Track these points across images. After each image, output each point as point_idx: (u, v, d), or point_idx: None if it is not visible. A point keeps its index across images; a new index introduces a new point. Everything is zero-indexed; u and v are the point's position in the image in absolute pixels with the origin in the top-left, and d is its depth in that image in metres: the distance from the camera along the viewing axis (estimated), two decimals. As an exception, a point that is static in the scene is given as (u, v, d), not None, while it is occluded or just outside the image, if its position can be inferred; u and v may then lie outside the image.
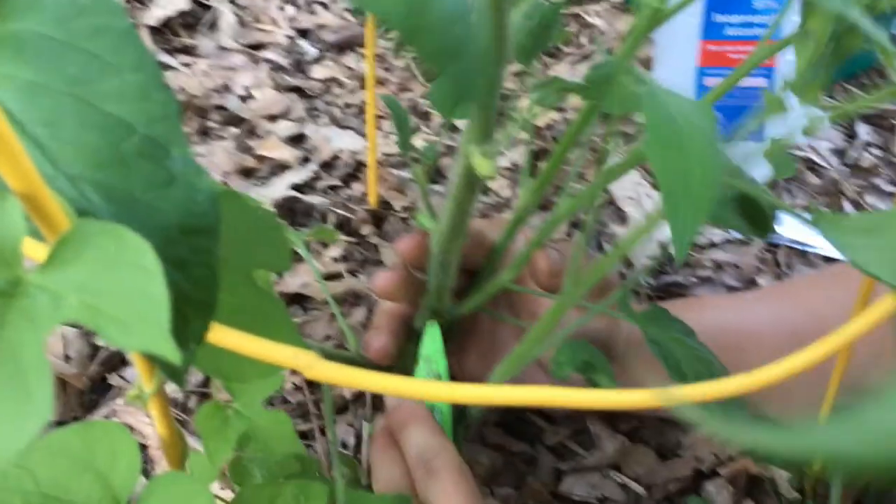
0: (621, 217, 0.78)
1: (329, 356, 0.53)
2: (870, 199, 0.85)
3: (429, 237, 0.49)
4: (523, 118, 0.44)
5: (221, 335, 0.23)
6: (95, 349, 0.65)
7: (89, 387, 0.62)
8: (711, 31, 0.77)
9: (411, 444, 0.46)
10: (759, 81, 0.78)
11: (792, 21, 0.77)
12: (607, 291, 0.54)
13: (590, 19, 1.02)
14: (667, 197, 0.30)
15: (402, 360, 0.55)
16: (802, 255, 0.77)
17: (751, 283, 0.74)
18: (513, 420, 0.61)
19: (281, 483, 0.37)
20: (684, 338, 0.46)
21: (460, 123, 0.60)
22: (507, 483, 0.58)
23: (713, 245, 0.77)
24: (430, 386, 0.26)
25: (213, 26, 0.95)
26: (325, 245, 0.72)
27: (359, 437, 0.61)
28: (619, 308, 0.47)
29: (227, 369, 0.27)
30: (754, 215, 0.48)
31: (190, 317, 0.23)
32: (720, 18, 0.76)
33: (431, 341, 0.50)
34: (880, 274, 0.35)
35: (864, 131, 0.91)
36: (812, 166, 0.87)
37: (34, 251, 0.19)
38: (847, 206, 0.84)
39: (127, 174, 0.22)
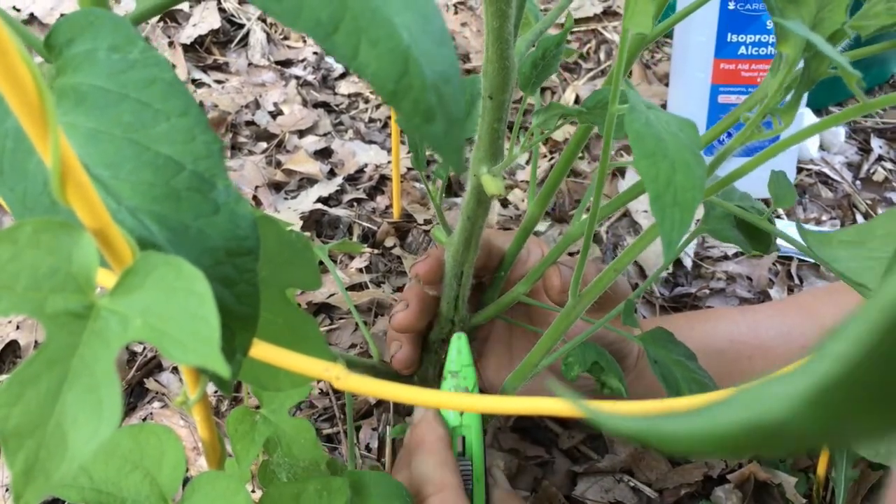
0: (636, 230, 0.81)
1: (353, 365, 0.56)
2: (882, 212, 0.86)
3: (441, 255, 0.52)
4: (528, 137, 0.47)
5: (262, 349, 0.26)
6: (133, 355, 0.68)
7: (127, 390, 0.66)
8: (725, 50, 0.79)
9: (414, 473, 0.47)
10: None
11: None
12: (619, 303, 0.57)
13: (608, 35, 1.05)
14: (654, 202, 0.33)
15: (420, 369, 0.58)
16: (814, 267, 0.79)
17: (763, 295, 0.76)
18: (529, 426, 0.64)
19: (305, 480, 0.40)
20: (685, 360, 0.48)
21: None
22: (524, 486, 0.60)
23: (726, 257, 0.79)
24: (443, 396, 0.29)
25: (244, 43, 0.98)
26: (351, 257, 0.75)
27: (381, 441, 0.63)
28: (623, 321, 0.50)
29: (266, 380, 0.30)
30: (756, 233, 0.50)
31: (236, 330, 0.25)
32: (734, 38, 0.79)
33: (459, 355, 0.51)
34: (863, 281, 0.37)
35: (877, 145, 0.93)
36: (826, 180, 0.89)
37: (103, 279, 0.22)
38: (860, 219, 0.86)
39: (178, 205, 0.25)
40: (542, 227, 0.81)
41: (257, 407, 0.46)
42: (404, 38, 0.26)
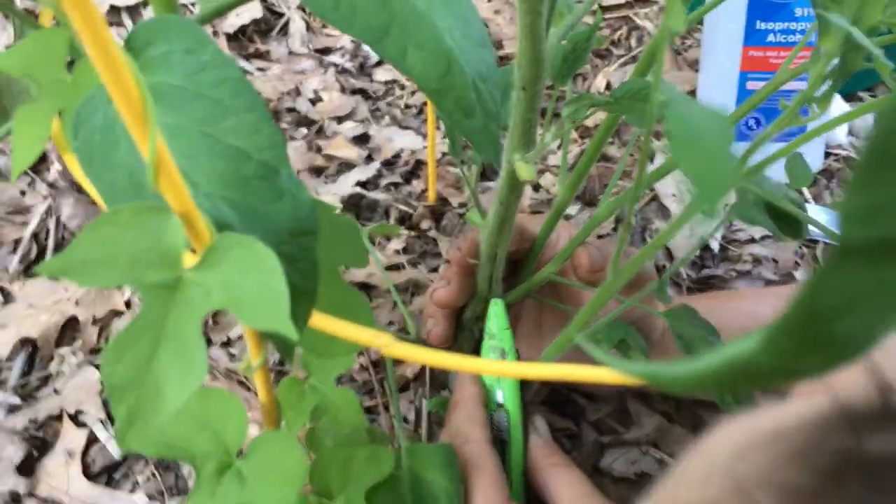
0: (665, 214, 0.83)
1: (393, 339, 0.59)
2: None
3: (476, 238, 0.55)
4: (559, 126, 0.50)
5: (319, 319, 0.30)
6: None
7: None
8: (754, 37, 0.81)
9: (451, 426, 0.53)
10: (801, 85, 0.82)
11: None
12: (645, 282, 0.60)
13: (639, 21, 1.06)
14: (696, 180, 0.36)
15: (455, 343, 0.62)
16: (839, 249, 0.81)
17: (788, 278, 0.78)
18: (557, 399, 0.67)
19: (355, 447, 0.44)
20: (708, 336, 0.51)
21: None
22: (553, 456, 0.63)
23: (753, 240, 0.82)
24: (478, 362, 0.32)
25: (284, 32, 1.02)
26: (388, 238, 0.78)
27: (418, 413, 0.67)
28: (657, 297, 0.52)
29: (321, 347, 0.34)
30: (786, 219, 0.52)
31: (298, 302, 0.29)
32: (762, 25, 0.80)
33: (496, 318, 0.55)
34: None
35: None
36: (853, 165, 0.90)
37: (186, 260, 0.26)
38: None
39: (248, 191, 0.29)
40: (572, 210, 0.84)
41: (305, 378, 0.49)
42: (447, 41, 0.29)
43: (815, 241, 0.82)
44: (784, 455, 0.22)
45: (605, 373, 0.32)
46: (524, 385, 0.57)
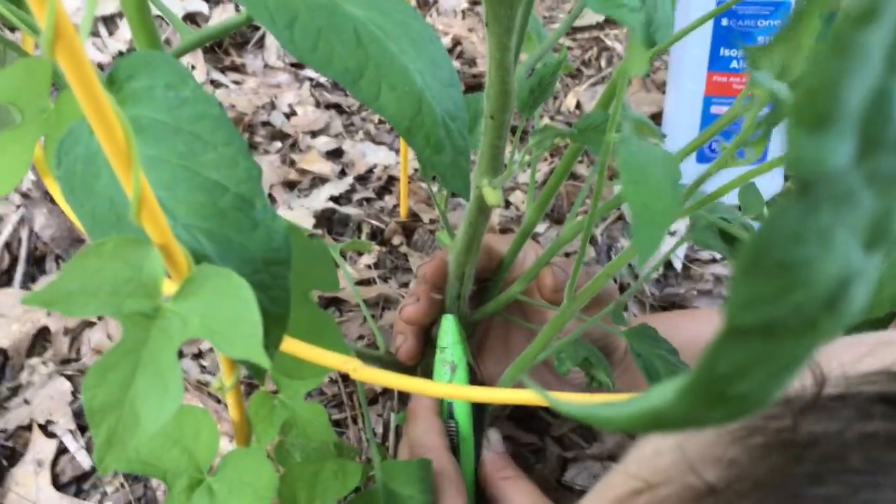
0: (628, 231, 0.85)
1: (361, 356, 0.61)
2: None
3: (445, 257, 0.57)
4: (524, 153, 0.51)
5: (291, 344, 0.31)
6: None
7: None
8: (718, 63, 0.84)
9: (409, 436, 0.55)
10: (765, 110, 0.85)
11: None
12: (608, 301, 0.61)
13: (609, 42, 1.09)
14: (635, 220, 0.38)
15: (423, 360, 0.63)
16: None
17: (747, 296, 0.81)
18: (523, 415, 0.69)
19: (322, 462, 0.45)
20: (667, 355, 0.53)
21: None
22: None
23: (714, 260, 0.84)
24: (439, 387, 0.33)
25: (260, 45, 1.03)
26: (360, 253, 0.80)
27: (386, 426, 0.68)
28: (612, 320, 0.54)
29: (292, 369, 0.35)
30: (738, 242, 0.55)
31: (269, 328, 0.30)
32: (726, 52, 0.83)
33: (445, 333, 0.57)
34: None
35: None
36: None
37: (164, 287, 0.27)
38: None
39: (224, 222, 0.30)
40: (541, 228, 0.86)
41: (275, 392, 0.51)
42: (418, 83, 0.31)
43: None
44: (730, 434, 0.25)
45: (513, 395, 0.34)
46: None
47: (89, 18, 0.20)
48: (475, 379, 0.68)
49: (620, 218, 0.87)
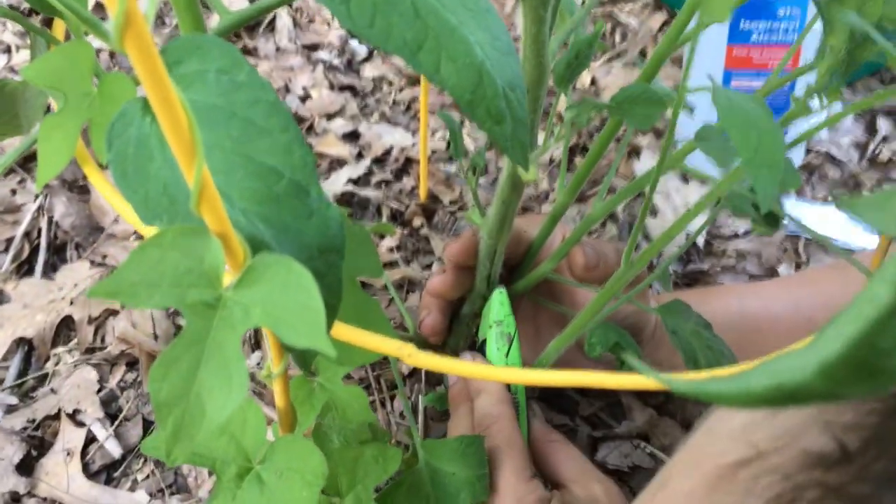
0: (652, 210, 0.85)
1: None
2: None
3: (473, 237, 0.57)
4: (560, 129, 0.51)
5: (344, 331, 0.31)
6: (178, 328, 0.73)
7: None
8: (738, 36, 0.83)
9: (478, 407, 0.55)
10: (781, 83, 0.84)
11: (814, 27, 0.82)
12: (638, 280, 0.61)
13: (622, 18, 1.08)
14: (748, 165, 0.37)
15: (451, 337, 0.63)
16: (820, 244, 0.83)
17: (772, 272, 0.80)
18: (552, 395, 0.69)
19: (362, 447, 0.45)
20: (701, 330, 0.52)
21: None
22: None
23: (737, 236, 0.83)
24: (500, 370, 0.33)
25: (271, 28, 1.02)
26: (382, 237, 0.79)
27: (415, 409, 0.68)
28: (662, 285, 0.54)
29: (342, 356, 0.35)
30: (768, 216, 0.54)
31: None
32: (746, 25, 0.82)
33: (501, 305, 0.57)
34: (891, 231, 0.42)
35: (884, 126, 0.96)
36: (833, 160, 0.92)
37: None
38: (865, 198, 0.89)
39: (280, 208, 0.30)
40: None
41: (312, 375, 0.50)
42: (478, 54, 0.30)
43: (798, 236, 0.84)
44: (804, 420, 0.24)
45: (623, 379, 0.33)
46: None
47: (154, 6, 0.20)
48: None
49: (642, 195, 0.87)
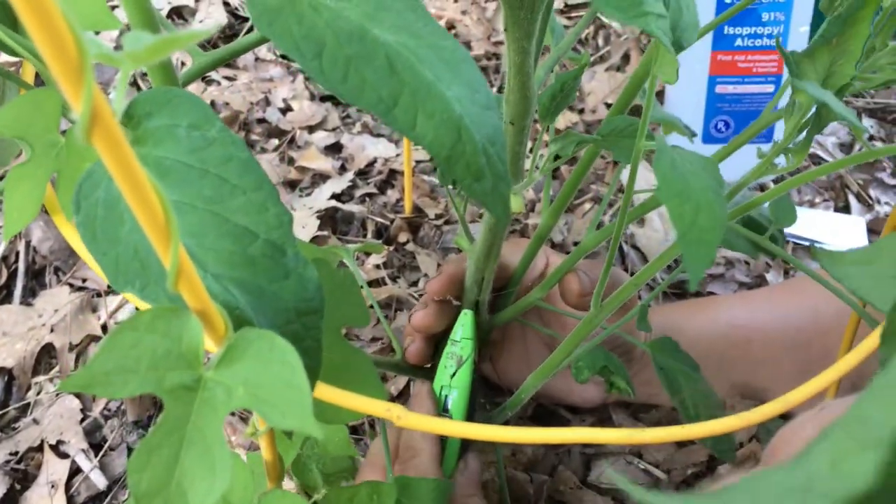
0: (640, 221, 0.84)
1: (378, 364, 0.59)
2: (873, 193, 0.90)
3: (454, 271, 0.56)
4: (546, 161, 0.50)
5: (329, 392, 0.30)
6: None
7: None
8: (722, 42, 0.82)
9: (402, 438, 0.54)
10: (768, 88, 0.83)
11: (798, 32, 0.81)
12: (626, 307, 0.60)
13: (606, 20, 1.07)
14: (681, 240, 0.36)
15: (439, 359, 0.62)
16: (808, 250, 0.82)
17: (760, 279, 0.80)
18: (544, 414, 0.68)
19: (358, 487, 0.44)
20: (689, 370, 0.52)
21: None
22: (542, 471, 0.64)
23: (725, 243, 0.83)
24: (487, 429, 0.32)
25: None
26: (367, 253, 0.78)
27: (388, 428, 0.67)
28: (637, 324, 0.53)
29: (329, 415, 0.34)
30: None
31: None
32: (730, 30, 0.81)
33: (462, 327, 0.56)
34: (872, 299, 0.41)
35: (868, 125, 0.96)
36: (818, 162, 0.92)
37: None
38: (852, 200, 0.89)
39: (255, 271, 0.29)
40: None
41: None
42: (456, 109, 0.29)
43: (786, 242, 0.83)
44: None
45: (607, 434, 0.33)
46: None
47: (122, 102, 0.19)
48: (490, 385, 0.67)
49: (631, 206, 0.86)
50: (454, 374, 0.55)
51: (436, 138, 0.29)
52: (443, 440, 0.56)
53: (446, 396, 0.56)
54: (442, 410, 0.56)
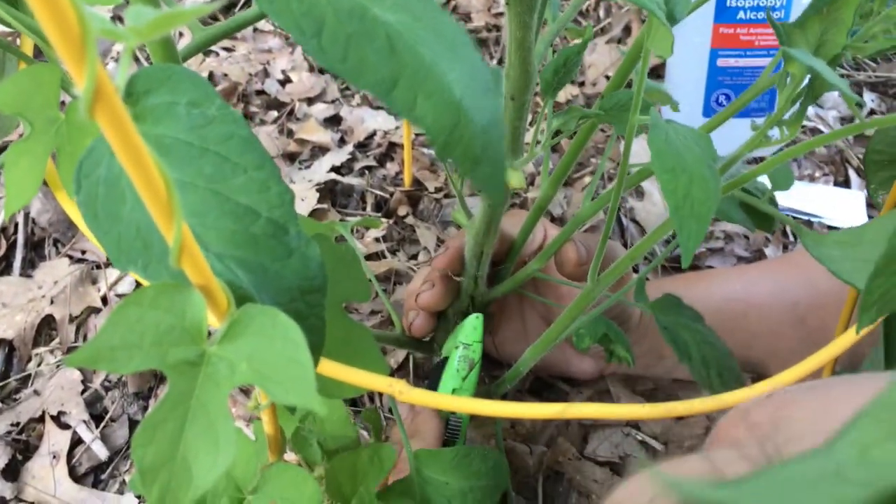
0: (639, 192, 0.84)
1: (379, 339, 0.60)
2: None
3: (459, 247, 0.56)
4: (547, 137, 0.50)
5: (332, 368, 0.30)
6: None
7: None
8: (724, 14, 0.81)
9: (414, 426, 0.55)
10: (768, 62, 0.83)
11: (801, 4, 0.81)
12: (625, 278, 0.61)
13: (607, -9, 1.06)
14: (674, 214, 0.36)
15: (439, 333, 0.63)
16: (807, 224, 0.82)
17: (759, 253, 0.80)
18: (541, 386, 0.68)
19: (358, 451, 0.44)
20: (692, 323, 0.52)
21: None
22: (542, 442, 0.65)
23: (724, 217, 0.83)
24: (484, 404, 0.32)
25: (247, 7, 0.99)
26: (367, 227, 0.78)
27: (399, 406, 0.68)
28: (635, 296, 0.54)
29: (331, 389, 0.34)
30: (758, 212, 0.54)
31: (309, 358, 0.29)
32: (733, 3, 0.81)
33: (473, 330, 0.56)
34: (853, 280, 0.41)
35: (870, 99, 0.96)
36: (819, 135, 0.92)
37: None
38: (852, 174, 0.89)
39: (257, 250, 0.29)
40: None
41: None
42: (456, 92, 0.29)
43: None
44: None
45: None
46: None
47: (125, 75, 0.19)
48: (487, 358, 0.67)
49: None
50: (465, 377, 0.56)
51: (434, 121, 0.29)
52: (448, 429, 0.56)
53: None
54: (451, 414, 0.57)
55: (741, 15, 0.81)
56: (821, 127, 0.92)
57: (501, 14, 1.03)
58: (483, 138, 0.29)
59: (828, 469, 0.13)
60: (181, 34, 0.92)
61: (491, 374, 0.68)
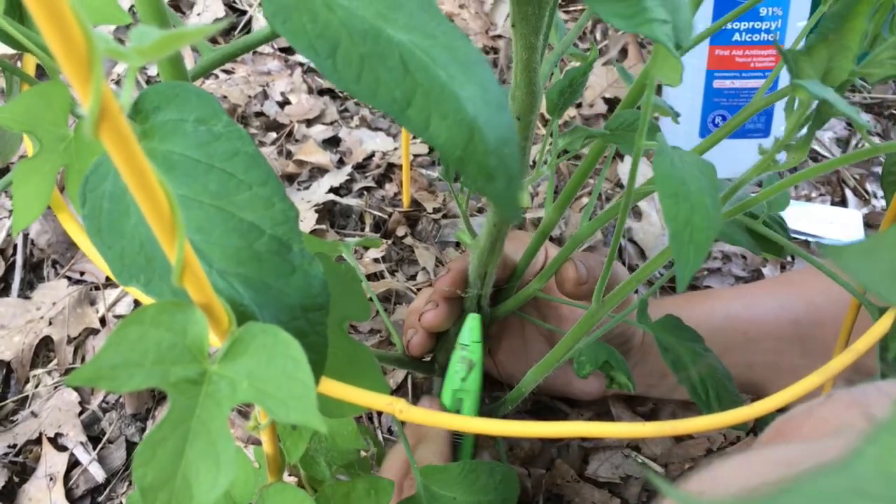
0: (636, 212, 0.84)
1: (382, 359, 0.59)
2: (870, 187, 0.90)
3: (461, 267, 0.56)
4: (553, 157, 0.50)
5: (332, 387, 0.30)
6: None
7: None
8: (720, 36, 0.82)
9: (417, 457, 0.54)
10: (763, 83, 0.83)
11: (796, 27, 0.81)
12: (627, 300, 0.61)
13: (604, 14, 1.07)
14: (673, 240, 0.36)
15: (439, 352, 0.62)
16: (805, 244, 0.83)
17: (757, 273, 0.80)
18: (542, 408, 0.68)
19: (353, 480, 0.44)
20: (693, 344, 0.52)
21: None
22: (541, 465, 0.65)
23: (722, 237, 0.83)
24: (488, 423, 0.32)
25: (247, 31, 1.00)
26: (366, 247, 0.78)
27: (402, 423, 0.67)
28: (637, 317, 0.54)
29: (332, 409, 0.34)
30: (764, 237, 0.54)
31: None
32: (728, 25, 0.81)
33: (470, 331, 0.56)
34: (879, 290, 0.41)
35: (865, 120, 0.96)
36: (815, 157, 0.92)
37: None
38: (849, 194, 0.89)
39: (261, 267, 0.29)
40: (540, 212, 0.84)
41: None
42: (469, 110, 0.29)
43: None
44: None
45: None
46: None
47: (129, 94, 0.19)
48: (488, 378, 0.67)
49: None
50: (465, 377, 0.55)
51: (448, 139, 0.29)
52: (455, 443, 0.56)
53: (460, 400, 0.56)
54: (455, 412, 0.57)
55: (737, 37, 0.82)
56: (817, 147, 0.93)
57: (499, 37, 1.03)
58: (497, 154, 0.29)
59: (848, 483, 0.13)
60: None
61: (492, 395, 0.68)
